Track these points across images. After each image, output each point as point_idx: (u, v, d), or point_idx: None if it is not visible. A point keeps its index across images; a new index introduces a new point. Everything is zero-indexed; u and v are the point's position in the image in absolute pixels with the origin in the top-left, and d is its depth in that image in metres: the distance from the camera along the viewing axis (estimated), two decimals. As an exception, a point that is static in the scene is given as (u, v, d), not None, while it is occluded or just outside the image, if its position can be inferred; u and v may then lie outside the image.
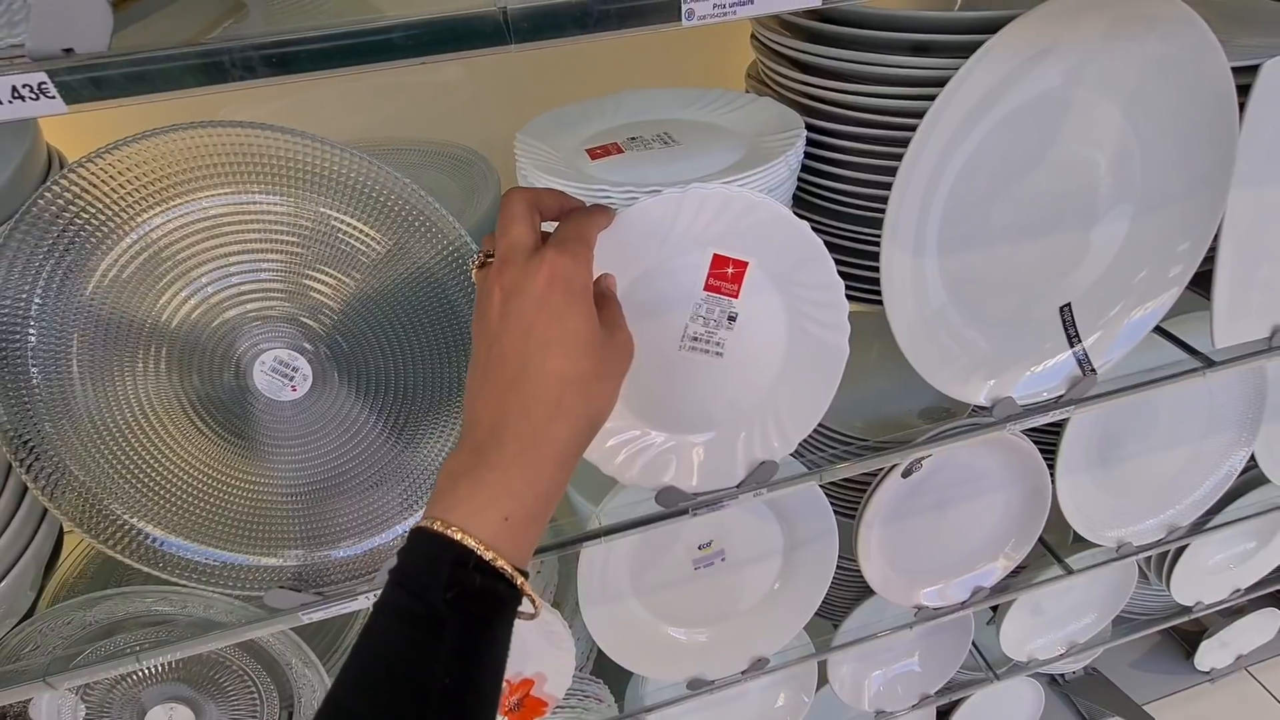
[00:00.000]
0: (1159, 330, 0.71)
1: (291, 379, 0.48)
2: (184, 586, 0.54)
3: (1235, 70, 0.54)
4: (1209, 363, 0.68)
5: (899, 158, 0.52)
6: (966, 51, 0.49)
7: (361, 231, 0.48)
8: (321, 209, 0.46)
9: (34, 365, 0.45)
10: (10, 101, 0.26)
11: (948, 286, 0.60)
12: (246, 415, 0.50)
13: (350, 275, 0.48)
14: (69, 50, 0.27)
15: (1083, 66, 0.52)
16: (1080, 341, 0.64)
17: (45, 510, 0.58)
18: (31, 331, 0.44)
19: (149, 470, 0.49)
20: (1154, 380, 0.68)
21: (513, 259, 0.35)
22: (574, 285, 0.34)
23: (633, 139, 0.60)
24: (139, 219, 0.44)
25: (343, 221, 0.47)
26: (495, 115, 0.85)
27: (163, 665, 0.67)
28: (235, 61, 0.29)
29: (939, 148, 0.52)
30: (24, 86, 0.26)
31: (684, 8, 0.31)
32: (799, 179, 0.61)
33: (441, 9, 0.30)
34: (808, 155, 0.60)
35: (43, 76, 0.27)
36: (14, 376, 0.45)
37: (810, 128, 0.59)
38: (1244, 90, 0.57)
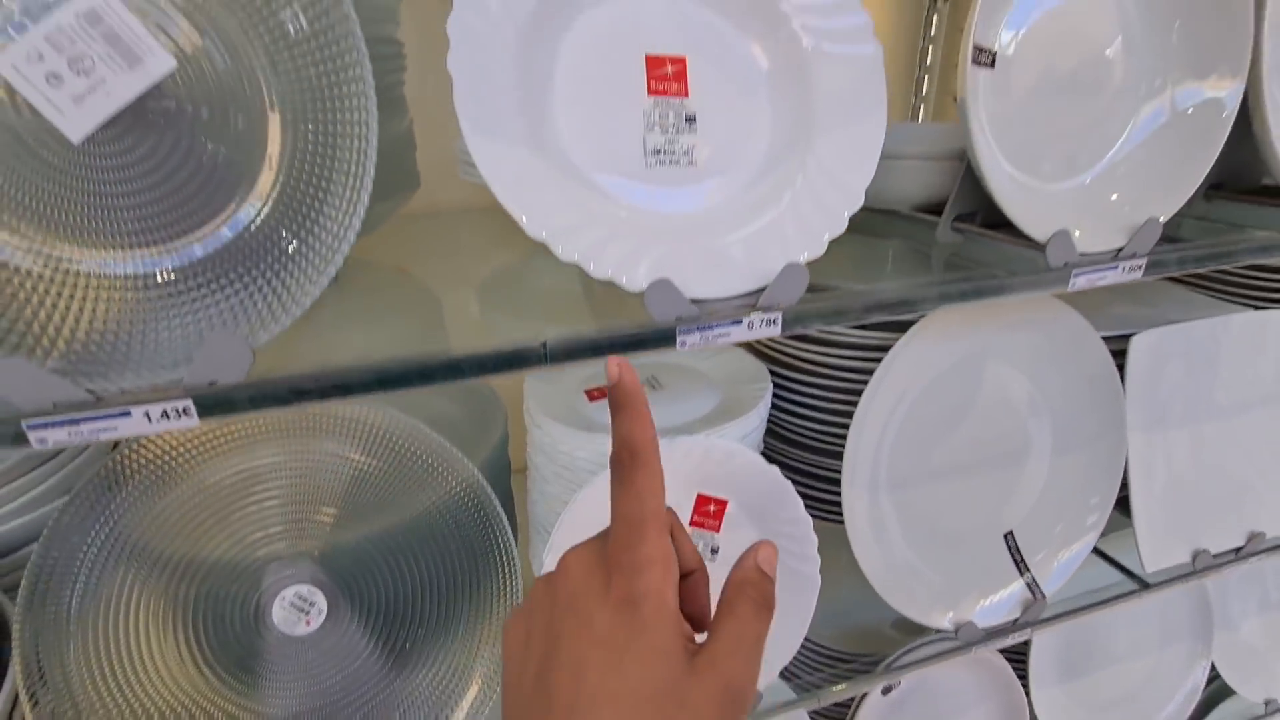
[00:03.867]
0: (1098, 552, 0.78)
1: (308, 613, 0.52)
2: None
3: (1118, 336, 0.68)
4: (1144, 585, 0.75)
5: (852, 398, 0.62)
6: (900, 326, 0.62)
7: (380, 470, 0.54)
8: (347, 454, 0.53)
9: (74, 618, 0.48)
10: (157, 420, 0.34)
11: (903, 524, 0.67)
12: (249, 650, 0.52)
13: (371, 512, 0.54)
14: (213, 383, 0.35)
15: (987, 350, 0.65)
16: (1028, 569, 0.71)
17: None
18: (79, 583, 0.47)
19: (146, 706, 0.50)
20: (1096, 603, 0.74)
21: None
22: None
23: (625, 382, 0.70)
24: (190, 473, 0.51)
25: (367, 464, 0.54)
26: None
27: None
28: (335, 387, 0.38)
29: (885, 407, 0.63)
30: (172, 409, 0.34)
31: (678, 339, 0.42)
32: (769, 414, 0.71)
33: (493, 342, 0.40)
34: (774, 395, 0.71)
35: (188, 402, 0.34)
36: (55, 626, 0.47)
37: (774, 374, 0.70)
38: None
